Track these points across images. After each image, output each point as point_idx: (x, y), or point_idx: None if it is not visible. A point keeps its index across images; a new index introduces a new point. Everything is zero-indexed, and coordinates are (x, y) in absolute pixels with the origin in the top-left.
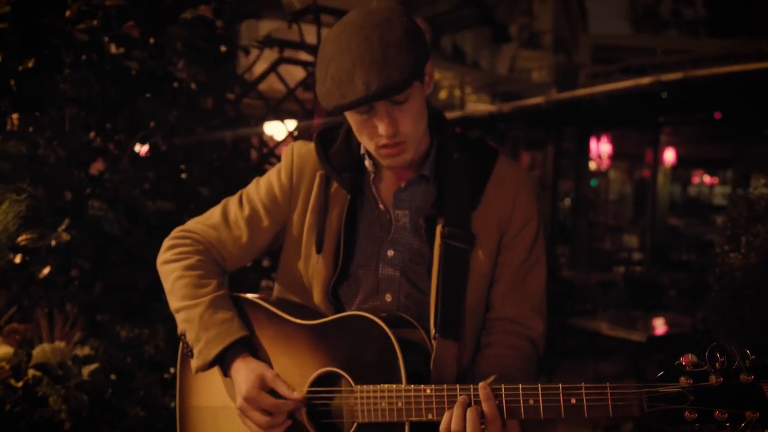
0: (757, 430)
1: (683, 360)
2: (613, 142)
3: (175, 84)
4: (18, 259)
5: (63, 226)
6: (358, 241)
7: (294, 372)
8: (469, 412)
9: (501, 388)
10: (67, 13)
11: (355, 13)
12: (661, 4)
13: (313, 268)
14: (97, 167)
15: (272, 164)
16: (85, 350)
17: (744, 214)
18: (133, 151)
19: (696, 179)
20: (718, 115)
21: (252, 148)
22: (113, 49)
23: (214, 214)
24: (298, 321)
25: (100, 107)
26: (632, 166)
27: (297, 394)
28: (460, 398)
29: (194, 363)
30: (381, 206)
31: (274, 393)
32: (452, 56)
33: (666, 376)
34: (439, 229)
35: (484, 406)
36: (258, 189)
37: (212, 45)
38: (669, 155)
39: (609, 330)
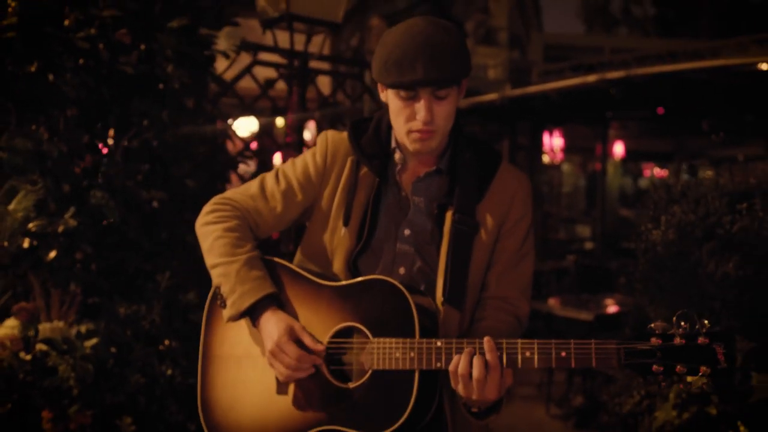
0: (707, 383)
1: (655, 324)
2: (565, 136)
3: (161, 86)
4: (26, 244)
5: (69, 214)
6: (380, 219)
7: (317, 326)
8: (476, 360)
9: (503, 342)
10: (66, 22)
11: (417, 17)
12: (611, 2)
13: (339, 239)
14: (89, 161)
15: (246, 157)
16: (85, 327)
17: (663, 197)
18: (126, 146)
19: (647, 172)
20: (660, 110)
21: (228, 141)
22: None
23: (252, 185)
24: (323, 282)
25: (96, 107)
26: (584, 159)
27: (320, 346)
28: (467, 348)
29: (227, 312)
30: (403, 192)
31: (299, 343)
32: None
33: (640, 336)
34: (449, 215)
35: (488, 356)
36: (294, 167)
37: (196, 50)
38: (618, 149)
39: (560, 311)
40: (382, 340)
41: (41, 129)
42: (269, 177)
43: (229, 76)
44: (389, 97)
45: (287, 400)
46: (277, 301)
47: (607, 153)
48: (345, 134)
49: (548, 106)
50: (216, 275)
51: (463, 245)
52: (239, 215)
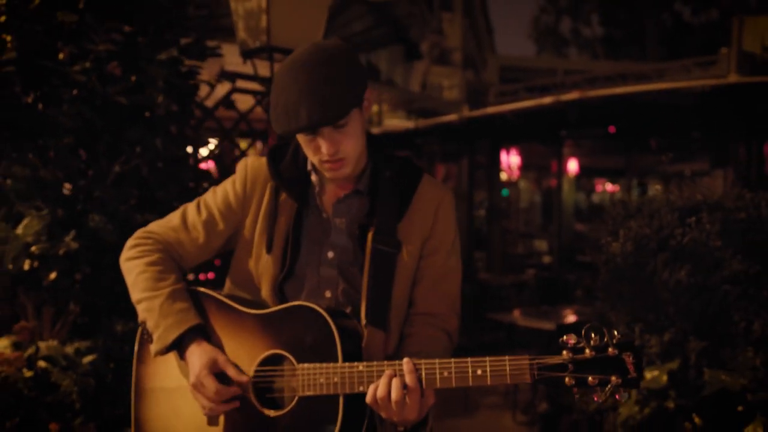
0: (619, 392)
1: (566, 338)
2: (522, 154)
3: (147, 113)
4: (26, 266)
5: (70, 237)
6: (303, 243)
7: (243, 354)
8: (394, 382)
9: (421, 363)
10: (61, 56)
11: (302, 49)
12: (561, 23)
13: (263, 266)
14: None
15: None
16: (78, 345)
17: (621, 213)
18: (118, 172)
19: (599, 187)
20: (612, 129)
21: (215, 164)
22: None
23: (173, 217)
24: (248, 310)
25: (89, 135)
26: (540, 176)
27: (245, 377)
28: (387, 370)
29: (154, 347)
30: (324, 215)
31: (222, 376)
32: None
33: (552, 350)
34: (370, 235)
35: (407, 378)
36: (215, 196)
37: (182, 80)
38: (572, 165)
39: (523, 321)
40: (306, 365)
41: (32, 156)
42: (191, 207)
43: (209, 103)
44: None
45: (218, 431)
46: (202, 332)
47: (562, 170)
48: (264, 160)
49: (505, 125)
50: (141, 310)
51: (385, 265)
52: (161, 248)
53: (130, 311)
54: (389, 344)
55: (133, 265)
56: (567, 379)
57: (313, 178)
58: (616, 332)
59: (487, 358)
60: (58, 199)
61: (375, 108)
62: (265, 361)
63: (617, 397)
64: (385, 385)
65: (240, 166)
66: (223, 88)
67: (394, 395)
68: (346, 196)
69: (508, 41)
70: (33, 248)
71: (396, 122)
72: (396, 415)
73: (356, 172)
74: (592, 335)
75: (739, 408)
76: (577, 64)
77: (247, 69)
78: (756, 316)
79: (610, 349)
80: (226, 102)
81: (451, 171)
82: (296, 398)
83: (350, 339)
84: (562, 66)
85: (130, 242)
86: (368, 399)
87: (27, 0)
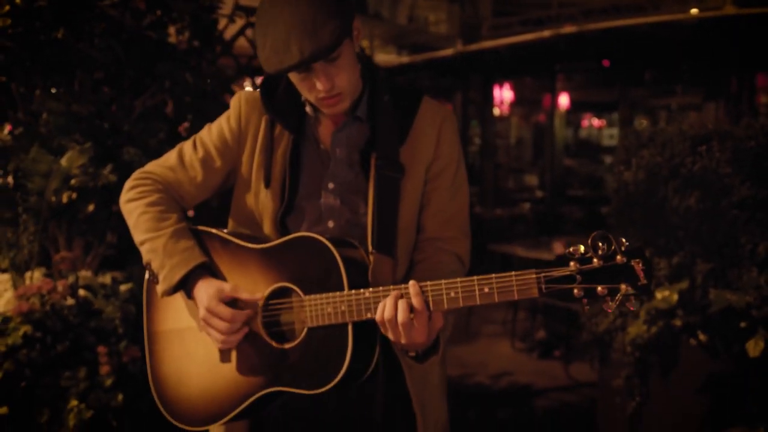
0: (630, 300)
1: (572, 249)
2: (514, 89)
3: (172, 48)
4: (65, 198)
5: (107, 170)
6: (301, 176)
7: (249, 290)
8: (400, 304)
9: (427, 285)
10: None
11: None
12: None
13: (263, 201)
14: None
15: None
16: (111, 275)
17: (634, 143)
18: (145, 106)
19: (585, 122)
20: (606, 62)
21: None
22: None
23: (170, 157)
24: (251, 246)
25: (118, 70)
26: (530, 111)
27: (258, 295)
28: (393, 292)
29: (160, 288)
30: (322, 146)
31: (234, 305)
32: (355, 7)
33: (559, 262)
34: (373, 161)
35: (414, 300)
36: (210, 133)
37: (205, 14)
38: (563, 100)
39: (523, 252)
40: (313, 296)
41: (63, 91)
42: (187, 146)
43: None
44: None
45: (231, 367)
46: (208, 270)
47: (554, 105)
48: (258, 93)
49: (499, 60)
50: (145, 252)
51: (390, 191)
52: (161, 188)
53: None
54: (398, 272)
55: (134, 207)
56: (575, 291)
57: (308, 109)
58: (624, 239)
59: (493, 275)
60: (92, 133)
61: (365, 43)
62: (273, 295)
63: (628, 305)
64: (392, 306)
65: (234, 101)
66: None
67: (400, 317)
68: (344, 123)
69: None
70: (72, 181)
71: (387, 57)
72: (404, 337)
73: (354, 97)
74: (599, 244)
75: (743, 324)
76: None
77: None
78: (762, 239)
79: (618, 257)
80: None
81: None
82: (305, 329)
83: (355, 267)
84: None
85: (128, 183)
86: (377, 318)
87: None
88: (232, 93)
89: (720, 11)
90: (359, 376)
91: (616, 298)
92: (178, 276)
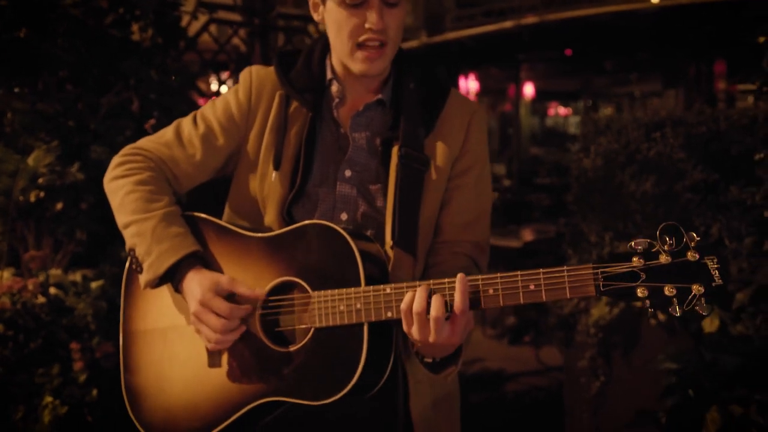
0: (701, 303)
1: (635, 243)
2: (480, 79)
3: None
4: (33, 197)
5: (75, 168)
6: (315, 160)
7: (249, 284)
8: (435, 298)
9: (431, 283)
10: None
11: None
12: None
13: (270, 186)
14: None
15: None
16: (81, 273)
17: (591, 130)
18: (110, 104)
19: (552, 111)
20: (568, 52)
21: (198, 96)
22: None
23: (167, 132)
24: (252, 234)
25: (81, 69)
26: (496, 101)
27: (259, 290)
28: (424, 284)
29: (144, 277)
30: (341, 129)
31: (231, 300)
32: None
33: (619, 257)
34: (395, 150)
35: (458, 297)
36: (214, 108)
37: (168, 11)
38: (528, 89)
39: (492, 241)
40: (323, 293)
41: (27, 90)
42: (186, 121)
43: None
44: (330, 10)
45: (221, 373)
46: (201, 260)
47: (519, 94)
48: (271, 68)
49: (464, 51)
50: (129, 236)
51: (413, 183)
52: (153, 166)
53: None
54: (416, 272)
55: (120, 185)
56: (639, 291)
57: (334, 87)
58: (695, 234)
59: (541, 270)
60: (58, 132)
61: None
62: (275, 291)
63: (698, 309)
64: (423, 298)
65: (244, 75)
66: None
67: (434, 311)
68: (367, 107)
69: None
70: (40, 180)
71: None
72: (433, 335)
73: (381, 79)
74: (667, 237)
75: None
76: None
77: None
78: (714, 221)
79: (689, 253)
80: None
81: None
82: (312, 331)
83: (373, 262)
84: None
85: (116, 159)
86: (403, 307)
87: None
88: (198, 89)
89: (677, 0)
90: (371, 386)
91: (686, 300)
92: (166, 264)
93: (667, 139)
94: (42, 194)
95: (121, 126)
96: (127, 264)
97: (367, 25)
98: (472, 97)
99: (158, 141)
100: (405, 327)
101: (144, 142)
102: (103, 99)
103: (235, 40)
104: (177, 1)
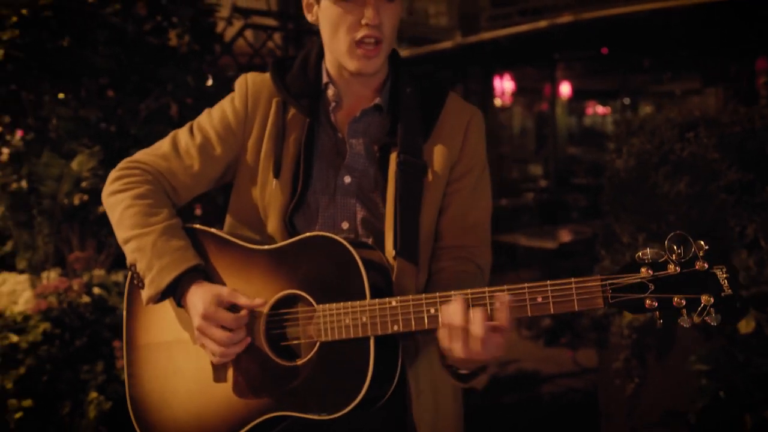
0: (710, 314)
1: (642, 253)
2: (515, 79)
3: (173, 52)
4: (77, 201)
5: None
6: (315, 167)
7: (252, 297)
8: (476, 311)
9: (468, 293)
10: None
11: None
12: None
13: (270, 194)
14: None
15: None
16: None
17: (624, 131)
18: (149, 110)
19: (590, 110)
20: (605, 50)
21: None
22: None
23: (163, 144)
24: (254, 246)
25: (121, 76)
26: (532, 100)
27: (259, 300)
28: (460, 296)
29: (146, 293)
30: (339, 134)
31: (235, 309)
32: None
33: (627, 268)
34: (393, 156)
35: (500, 312)
36: (210, 117)
37: (203, 18)
38: (565, 89)
39: (526, 241)
40: (327, 306)
41: (71, 97)
42: (182, 132)
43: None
44: (326, 8)
45: (227, 387)
46: (203, 273)
47: (555, 94)
48: (267, 75)
49: (498, 50)
50: (129, 251)
51: (412, 189)
52: (151, 179)
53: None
54: (420, 279)
55: (118, 200)
56: (647, 302)
57: (330, 91)
58: (703, 242)
59: (548, 282)
60: (100, 137)
61: None
62: (278, 304)
63: (708, 319)
64: (462, 311)
65: (239, 82)
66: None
67: (477, 330)
68: (364, 112)
69: None
70: (83, 183)
71: None
72: (481, 351)
73: (378, 83)
74: (675, 247)
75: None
76: None
77: (260, 4)
78: (749, 221)
79: (698, 263)
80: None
81: None
82: (317, 345)
83: (378, 272)
84: None
85: (113, 174)
86: (444, 321)
87: None
88: None
89: None
90: (378, 399)
91: (696, 311)
92: (168, 279)
93: (700, 139)
94: (86, 197)
95: (160, 131)
96: (128, 278)
97: (363, 21)
98: (507, 97)
99: (155, 153)
100: (445, 342)
101: (141, 155)
102: (142, 104)
103: (270, 44)
104: (212, 8)
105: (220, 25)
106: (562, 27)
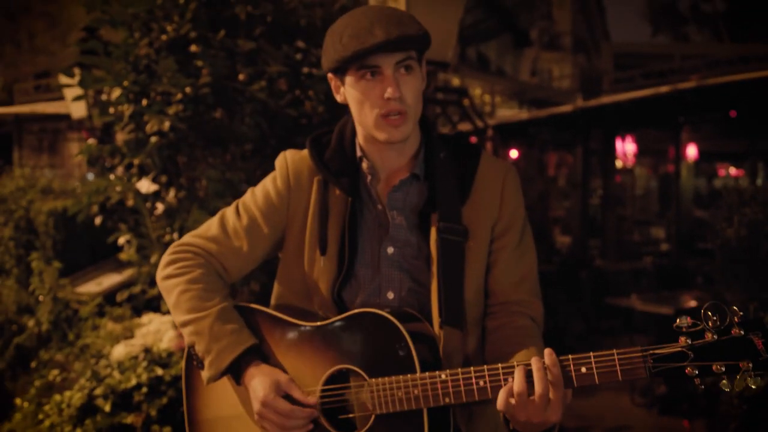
0: (750, 378)
1: (680, 321)
2: (637, 140)
3: (304, 121)
4: None
5: None
6: (360, 241)
7: (306, 373)
8: (537, 374)
9: (499, 368)
10: (241, 77)
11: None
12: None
13: (318, 271)
14: None
15: None
16: None
17: (736, 201)
18: None
19: (722, 172)
20: (733, 113)
21: None
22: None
23: (212, 226)
24: (305, 323)
25: (262, 142)
26: (656, 161)
27: (311, 398)
28: (519, 366)
29: (206, 374)
30: (379, 206)
31: (289, 397)
32: (478, 65)
33: (667, 338)
34: (434, 224)
35: (551, 372)
36: (255, 198)
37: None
38: (691, 151)
39: (641, 306)
40: (380, 380)
41: (219, 161)
42: (230, 213)
43: None
44: (350, 87)
45: None
46: (259, 353)
47: (680, 155)
48: (305, 153)
49: (620, 113)
50: (187, 333)
51: (454, 256)
52: (202, 262)
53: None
54: (467, 344)
55: (174, 284)
56: (688, 369)
57: (364, 165)
58: (736, 308)
59: (591, 354)
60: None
61: (487, 98)
62: (332, 379)
63: (749, 383)
64: (522, 378)
65: (279, 161)
66: None
67: (539, 388)
68: (402, 182)
69: (621, 22)
70: None
71: (509, 113)
72: (539, 413)
73: (411, 152)
74: (710, 315)
75: None
76: (695, 47)
77: None
78: None
79: (734, 330)
80: None
81: (564, 159)
82: (372, 417)
83: (425, 345)
84: (679, 50)
85: (166, 258)
86: (500, 404)
87: (215, 31)
88: None
89: None
90: None
91: (736, 376)
92: (227, 361)
93: None
94: None
95: None
96: (185, 355)
97: (385, 96)
98: (629, 158)
99: (205, 236)
100: (505, 408)
101: (191, 238)
102: None
103: None
104: None
105: None
106: (686, 92)
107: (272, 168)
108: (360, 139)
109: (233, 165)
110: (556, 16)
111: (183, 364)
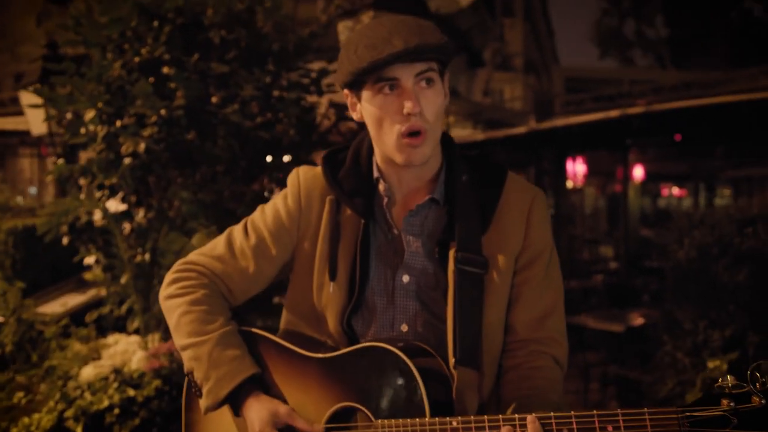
0: None
1: (722, 381)
2: (587, 162)
3: (277, 143)
4: None
5: None
6: (372, 267)
7: (309, 408)
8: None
9: (533, 416)
10: (213, 100)
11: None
12: (624, 25)
13: (327, 297)
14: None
15: None
16: None
17: (686, 224)
18: (254, 192)
19: (665, 191)
20: (678, 137)
21: None
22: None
23: (218, 244)
24: (312, 354)
25: (232, 163)
26: (605, 182)
27: (318, 426)
28: (506, 426)
29: (204, 402)
30: (395, 231)
31: (290, 430)
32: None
33: (707, 399)
34: (452, 254)
35: None
36: (264, 216)
37: (306, 115)
38: (638, 172)
39: (593, 323)
40: (387, 422)
41: (190, 182)
42: (237, 231)
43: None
44: (366, 103)
45: None
46: (259, 383)
47: (627, 176)
48: (319, 170)
49: (571, 135)
50: (186, 358)
51: (473, 289)
52: (206, 283)
53: (266, 309)
54: (483, 384)
55: (175, 305)
56: None
57: (381, 186)
58: None
59: (619, 411)
60: (215, 217)
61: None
62: (336, 416)
63: None
64: None
65: (291, 179)
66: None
67: None
68: (420, 207)
69: (569, 44)
70: None
71: (464, 132)
72: None
73: (431, 174)
74: (759, 376)
75: None
76: (643, 73)
77: None
78: None
79: None
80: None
81: None
82: None
83: (437, 385)
84: (627, 76)
85: (169, 276)
86: None
87: (189, 54)
88: None
89: None
90: None
91: None
92: (225, 391)
93: (758, 234)
94: None
95: None
96: (186, 383)
97: (405, 111)
98: (580, 179)
99: (211, 255)
100: None
101: (196, 256)
102: (247, 188)
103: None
104: (314, 106)
105: (318, 119)
106: (634, 117)
107: (243, 188)
108: (378, 158)
109: (203, 186)
110: (508, 37)
111: (183, 392)
